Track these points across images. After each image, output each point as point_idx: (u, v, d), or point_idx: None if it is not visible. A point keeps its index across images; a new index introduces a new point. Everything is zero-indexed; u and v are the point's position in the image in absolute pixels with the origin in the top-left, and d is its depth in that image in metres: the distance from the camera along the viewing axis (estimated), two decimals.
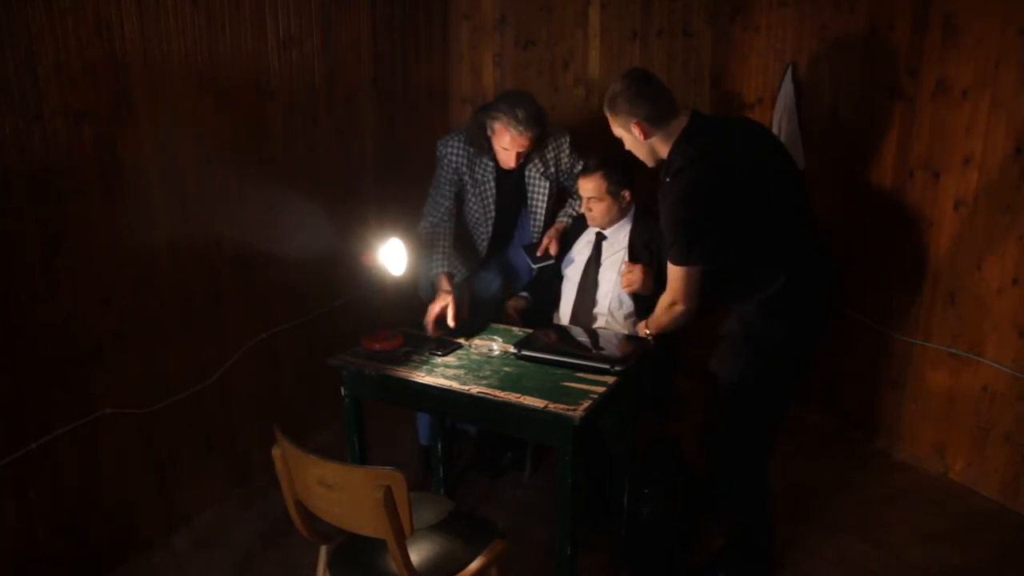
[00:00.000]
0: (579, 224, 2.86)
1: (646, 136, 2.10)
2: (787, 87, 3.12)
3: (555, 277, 2.85)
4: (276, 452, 1.73)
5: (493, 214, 2.82)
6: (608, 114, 2.16)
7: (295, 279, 3.05)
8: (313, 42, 3.02)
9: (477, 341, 2.37)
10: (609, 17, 3.59)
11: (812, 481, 2.95)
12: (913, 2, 2.82)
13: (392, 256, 2.32)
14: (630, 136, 2.14)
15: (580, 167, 2.77)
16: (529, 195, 2.86)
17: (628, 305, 2.67)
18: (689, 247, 2.03)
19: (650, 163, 2.21)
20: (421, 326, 2.54)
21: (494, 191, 2.78)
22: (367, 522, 1.63)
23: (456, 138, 2.72)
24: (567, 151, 2.83)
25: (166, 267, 2.49)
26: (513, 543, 2.06)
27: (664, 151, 2.12)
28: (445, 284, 2.60)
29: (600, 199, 2.60)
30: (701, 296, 2.12)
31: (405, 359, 2.25)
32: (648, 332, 2.32)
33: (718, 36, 3.35)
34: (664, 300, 2.18)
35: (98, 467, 2.35)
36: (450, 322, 2.50)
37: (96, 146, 2.22)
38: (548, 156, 2.81)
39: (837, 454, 3.17)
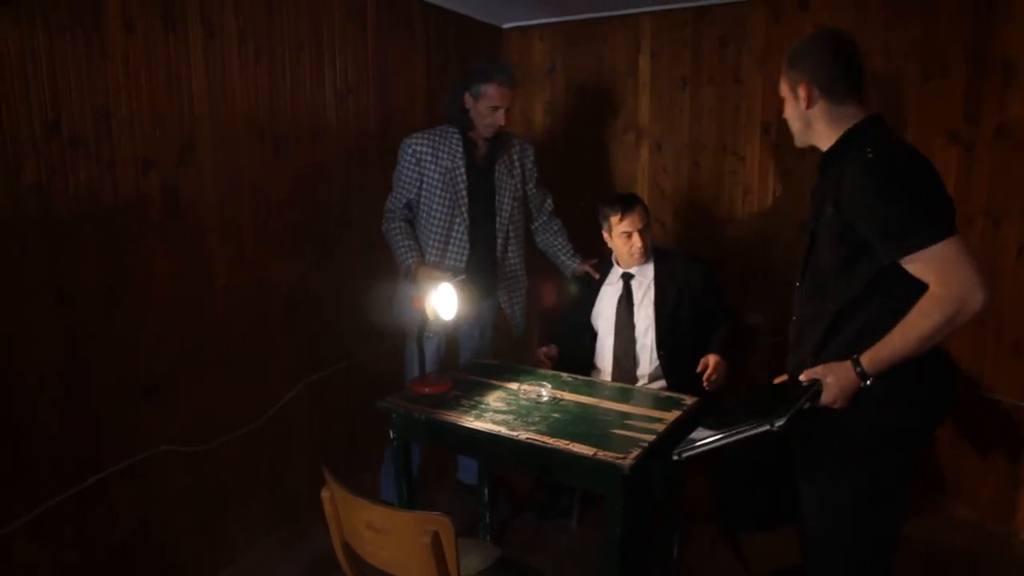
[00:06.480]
0: (583, 282, 2.98)
1: (808, 105, 1.81)
2: None
3: (586, 331, 2.91)
4: (325, 494, 1.74)
5: (466, 200, 2.74)
6: (783, 67, 1.87)
7: (346, 322, 3.09)
8: (369, 90, 3.12)
9: (526, 387, 2.37)
10: (659, 65, 3.63)
11: None
12: (966, 48, 2.79)
13: (443, 301, 2.35)
14: (791, 99, 1.86)
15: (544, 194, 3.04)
16: (497, 191, 2.83)
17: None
18: (939, 211, 1.62)
19: (798, 140, 1.91)
20: (467, 369, 2.54)
21: (464, 176, 2.74)
22: (414, 567, 1.62)
23: (420, 134, 2.78)
24: (531, 159, 2.95)
25: (222, 308, 2.56)
26: None
27: (823, 136, 1.82)
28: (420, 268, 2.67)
29: (648, 227, 2.81)
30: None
31: (454, 403, 2.26)
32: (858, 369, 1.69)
33: (769, 83, 3.35)
34: (940, 306, 1.59)
35: (151, 503, 2.40)
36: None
37: (162, 192, 2.32)
38: (514, 156, 2.88)
39: None
